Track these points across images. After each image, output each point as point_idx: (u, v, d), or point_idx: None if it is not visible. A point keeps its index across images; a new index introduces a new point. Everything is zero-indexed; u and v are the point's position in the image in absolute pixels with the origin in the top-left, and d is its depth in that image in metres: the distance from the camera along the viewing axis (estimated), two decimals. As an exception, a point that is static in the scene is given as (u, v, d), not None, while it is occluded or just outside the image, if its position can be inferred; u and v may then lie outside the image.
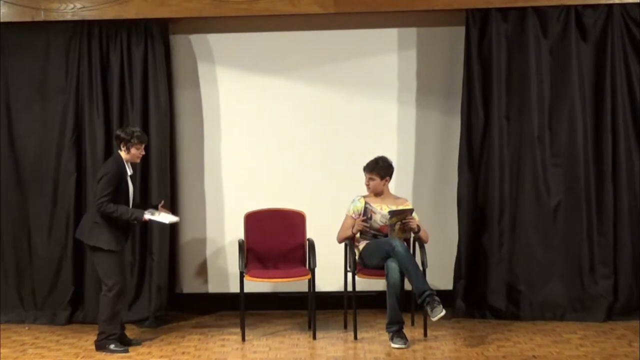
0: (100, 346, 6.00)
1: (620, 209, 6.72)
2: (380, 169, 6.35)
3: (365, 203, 6.29)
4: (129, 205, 5.97)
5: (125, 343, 6.06)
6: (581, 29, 6.76)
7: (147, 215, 5.97)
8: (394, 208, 6.27)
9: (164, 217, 6.09)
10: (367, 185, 6.39)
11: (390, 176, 6.42)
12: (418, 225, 6.24)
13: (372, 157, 6.40)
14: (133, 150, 5.98)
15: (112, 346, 5.95)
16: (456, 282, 6.87)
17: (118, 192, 5.88)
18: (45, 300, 6.92)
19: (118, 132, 6.06)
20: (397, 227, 6.16)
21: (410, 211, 6.24)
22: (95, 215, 5.92)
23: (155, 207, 6.16)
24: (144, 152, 6.11)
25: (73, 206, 6.86)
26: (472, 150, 6.84)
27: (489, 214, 6.82)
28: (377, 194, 6.38)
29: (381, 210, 6.27)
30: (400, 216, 6.16)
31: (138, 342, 6.17)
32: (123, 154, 5.98)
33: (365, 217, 6.25)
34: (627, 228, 6.71)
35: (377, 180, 6.35)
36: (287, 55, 7.18)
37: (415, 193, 7.10)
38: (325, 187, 7.13)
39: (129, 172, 6.01)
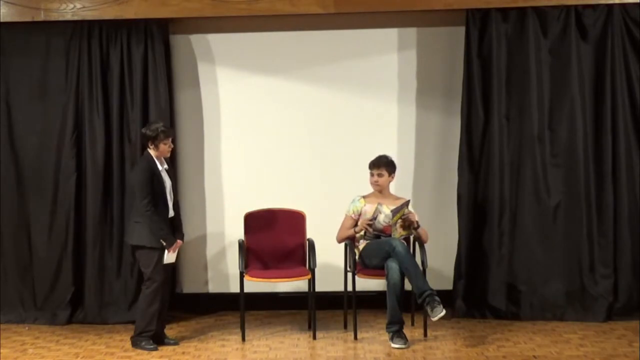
0: (134, 342, 6.04)
1: (620, 209, 6.71)
2: (388, 164, 6.37)
3: (378, 204, 6.26)
4: (166, 201, 6.02)
5: (159, 341, 6.06)
6: (581, 29, 6.76)
7: (166, 252, 5.96)
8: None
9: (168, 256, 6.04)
10: (376, 182, 6.37)
11: (395, 173, 6.43)
12: (417, 221, 6.24)
13: (372, 157, 6.41)
14: (161, 146, 6.03)
15: (143, 343, 5.98)
16: (456, 282, 6.88)
17: (153, 189, 5.93)
18: (45, 300, 6.92)
19: (143, 130, 6.11)
20: (398, 224, 6.17)
21: (407, 203, 6.24)
22: (136, 215, 5.99)
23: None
24: (172, 146, 6.15)
25: (73, 206, 6.86)
26: (472, 150, 6.84)
27: (489, 214, 6.82)
28: (381, 191, 6.38)
29: (384, 210, 6.26)
30: (400, 212, 6.16)
31: (174, 342, 6.15)
32: (152, 151, 6.03)
33: (373, 218, 6.23)
34: (627, 228, 6.71)
35: (386, 175, 6.36)
36: (287, 55, 7.18)
37: (415, 193, 7.09)
38: (325, 187, 7.13)
39: (161, 167, 6.04)
